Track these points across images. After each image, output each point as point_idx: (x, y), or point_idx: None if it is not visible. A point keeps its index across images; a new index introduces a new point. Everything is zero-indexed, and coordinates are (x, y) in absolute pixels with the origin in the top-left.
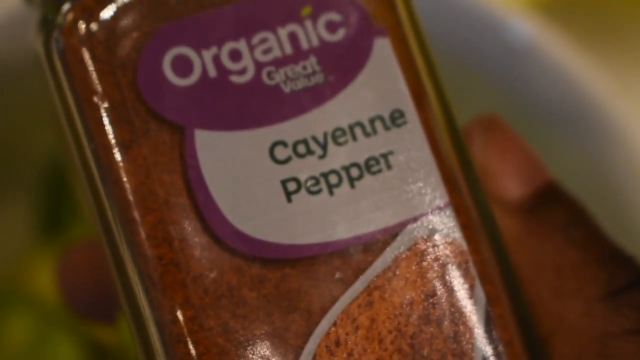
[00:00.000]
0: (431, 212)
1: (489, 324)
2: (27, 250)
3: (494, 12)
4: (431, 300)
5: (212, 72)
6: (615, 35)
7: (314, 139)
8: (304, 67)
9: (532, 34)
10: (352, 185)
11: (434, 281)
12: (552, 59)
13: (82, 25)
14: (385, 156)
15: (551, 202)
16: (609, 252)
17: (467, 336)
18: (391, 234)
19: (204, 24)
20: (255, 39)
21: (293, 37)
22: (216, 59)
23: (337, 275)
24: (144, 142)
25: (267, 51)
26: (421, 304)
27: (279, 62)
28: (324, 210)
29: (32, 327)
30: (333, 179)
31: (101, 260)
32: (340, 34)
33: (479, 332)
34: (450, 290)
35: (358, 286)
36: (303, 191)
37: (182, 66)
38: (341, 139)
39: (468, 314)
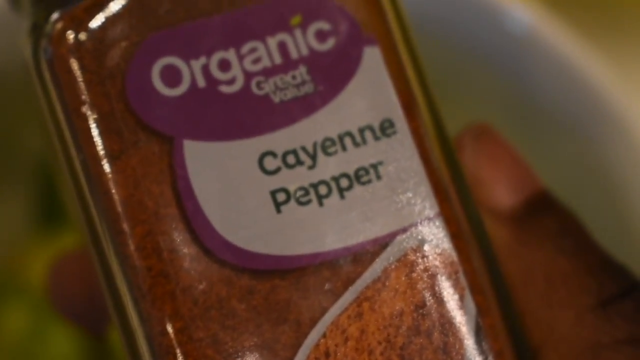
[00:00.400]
0: (421, 223)
1: (479, 334)
2: (24, 241)
3: (494, 0)
4: (421, 311)
5: (201, 82)
6: (617, 28)
7: (304, 149)
8: (294, 77)
9: (531, 22)
10: (342, 196)
11: (423, 292)
12: (552, 47)
13: (70, 35)
14: (375, 166)
15: (542, 211)
16: (600, 262)
17: (457, 347)
18: (381, 244)
19: (192, 34)
20: (245, 49)
21: (282, 46)
22: (205, 69)
23: (326, 286)
24: (132, 153)
25: (256, 61)
26: (411, 315)
27: (268, 72)
28: (313, 221)
29: (28, 318)
30: (322, 190)
31: (92, 270)
32: (330, 43)
33: (469, 343)
34: (440, 301)
35: (347, 297)
36: (292, 202)
37: (171, 76)
38: (331, 149)
39: (458, 324)
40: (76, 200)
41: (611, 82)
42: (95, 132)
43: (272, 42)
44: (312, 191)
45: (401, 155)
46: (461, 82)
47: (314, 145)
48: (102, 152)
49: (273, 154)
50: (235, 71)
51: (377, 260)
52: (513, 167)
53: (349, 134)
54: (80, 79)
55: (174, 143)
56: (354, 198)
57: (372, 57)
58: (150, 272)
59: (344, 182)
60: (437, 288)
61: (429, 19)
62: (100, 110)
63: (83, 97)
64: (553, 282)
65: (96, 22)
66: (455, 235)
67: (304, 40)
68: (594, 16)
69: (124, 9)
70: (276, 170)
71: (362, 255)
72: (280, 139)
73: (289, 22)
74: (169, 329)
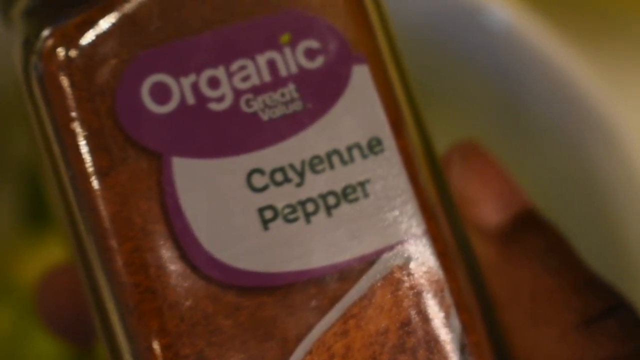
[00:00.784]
0: (407, 241)
1: (464, 352)
2: (11, 241)
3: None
4: (406, 328)
5: (191, 99)
6: (604, 30)
7: (292, 167)
8: (283, 95)
9: (513, 21)
10: (329, 214)
11: (409, 309)
12: (531, 44)
13: (61, 52)
14: (362, 184)
15: (529, 229)
16: (584, 280)
17: None
18: (367, 262)
19: (182, 51)
20: (234, 66)
21: (272, 64)
22: (194, 86)
23: (313, 304)
24: (121, 170)
25: (245, 78)
26: (396, 333)
27: (257, 90)
28: (300, 239)
29: (13, 318)
30: (310, 207)
31: (80, 285)
32: (319, 61)
33: None
34: (425, 319)
35: (334, 314)
36: (280, 219)
37: (161, 93)
38: (319, 167)
39: (443, 342)
40: (65, 216)
41: (594, 82)
42: (84, 148)
43: (262, 59)
44: (299, 209)
45: (388, 173)
46: (445, 84)
47: (302, 163)
48: (90, 169)
49: (261, 171)
50: (225, 89)
51: (363, 277)
52: (500, 185)
53: (337, 152)
54: (70, 95)
55: (162, 160)
56: (341, 216)
57: (361, 76)
58: (137, 288)
59: (332, 200)
60: (422, 306)
61: (406, 17)
62: (90, 127)
63: (73, 113)
64: (538, 300)
65: (86, 39)
66: (441, 253)
67: (293, 58)
68: (580, 18)
69: (115, 26)
70: (264, 188)
71: (349, 273)
72: (269, 157)
73: (279, 40)
74: (156, 345)
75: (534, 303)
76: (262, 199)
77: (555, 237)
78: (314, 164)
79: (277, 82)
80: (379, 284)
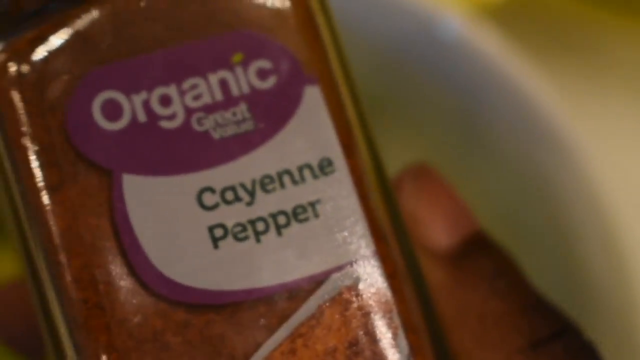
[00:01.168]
0: (357, 261)
1: None
2: None
3: (424, 8)
4: (354, 348)
5: (142, 116)
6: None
7: (242, 185)
8: (234, 114)
9: (462, 29)
10: (279, 233)
11: (357, 330)
12: (485, 56)
13: (12, 67)
14: (312, 204)
15: (478, 252)
16: (532, 303)
17: None
18: (316, 282)
19: (134, 69)
20: (186, 85)
21: (223, 83)
22: (146, 104)
23: (261, 322)
24: (72, 186)
25: (197, 97)
26: (344, 353)
27: (209, 108)
28: (250, 257)
29: None
30: (260, 226)
31: (30, 299)
32: (271, 81)
33: None
34: (373, 339)
35: (282, 333)
36: (230, 238)
37: (112, 110)
38: (269, 187)
39: None
40: (15, 231)
41: (548, 93)
42: (34, 163)
43: (214, 78)
44: (249, 227)
45: (339, 194)
46: (400, 98)
47: (253, 182)
48: (41, 184)
49: (212, 189)
50: (176, 107)
51: (312, 297)
52: (451, 208)
53: (288, 172)
54: (21, 110)
55: (113, 176)
56: (291, 235)
57: (313, 96)
58: (86, 304)
59: (282, 220)
60: (370, 326)
61: (357, 26)
62: (41, 142)
63: (23, 129)
64: (486, 323)
65: (38, 54)
66: (390, 274)
67: (245, 78)
68: (535, 30)
69: (67, 42)
70: (214, 206)
71: (298, 292)
72: (219, 175)
73: (231, 59)
74: None
75: (481, 325)
76: (213, 217)
77: (503, 260)
78: (265, 183)
79: (229, 101)
80: (327, 304)
